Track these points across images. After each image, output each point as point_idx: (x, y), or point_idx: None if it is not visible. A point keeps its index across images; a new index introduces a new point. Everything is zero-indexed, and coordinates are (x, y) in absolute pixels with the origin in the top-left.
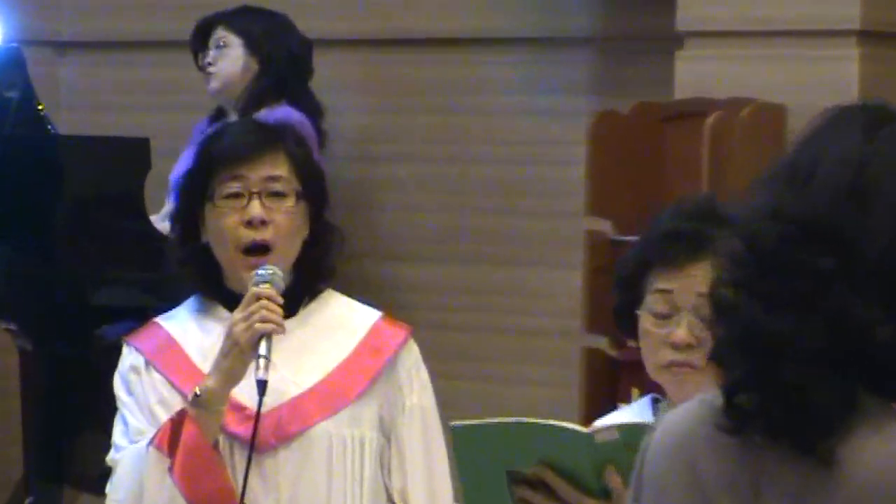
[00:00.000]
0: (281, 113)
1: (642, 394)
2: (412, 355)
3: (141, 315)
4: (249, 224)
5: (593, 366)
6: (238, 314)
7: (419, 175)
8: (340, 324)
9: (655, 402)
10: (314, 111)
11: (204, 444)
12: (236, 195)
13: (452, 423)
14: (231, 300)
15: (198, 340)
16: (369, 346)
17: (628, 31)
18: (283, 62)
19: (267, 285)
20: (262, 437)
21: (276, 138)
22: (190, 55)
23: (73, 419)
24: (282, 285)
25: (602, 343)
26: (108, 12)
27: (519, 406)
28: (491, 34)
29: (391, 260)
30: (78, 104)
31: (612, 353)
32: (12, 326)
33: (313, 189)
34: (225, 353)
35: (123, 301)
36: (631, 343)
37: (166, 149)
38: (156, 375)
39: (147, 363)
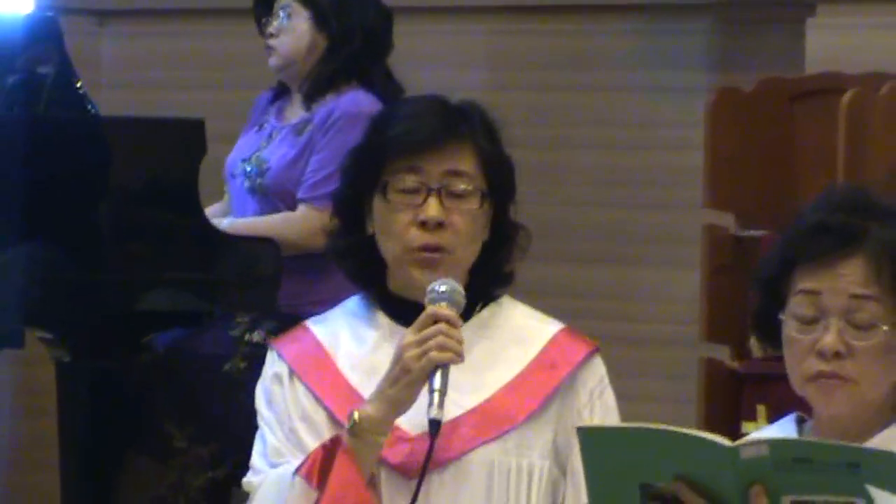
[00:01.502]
0: (350, 99)
1: (770, 411)
2: (596, 374)
3: (195, 322)
4: (423, 225)
5: (713, 379)
6: (411, 336)
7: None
8: (515, 336)
9: (800, 421)
10: (392, 94)
11: (358, 481)
12: (413, 190)
13: (578, 425)
14: (392, 304)
15: (349, 349)
16: (544, 361)
17: None
18: (356, 41)
19: (445, 304)
20: (413, 462)
21: (461, 124)
22: (249, 25)
23: (117, 441)
24: (462, 304)
25: (723, 353)
26: None
27: None
28: (594, 1)
29: None
30: (121, 80)
31: (735, 364)
32: (47, 335)
33: (500, 186)
34: (392, 380)
35: (175, 306)
36: (756, 353)
37: (222, 131)
38: (299, 387)
39: (291, 372)
